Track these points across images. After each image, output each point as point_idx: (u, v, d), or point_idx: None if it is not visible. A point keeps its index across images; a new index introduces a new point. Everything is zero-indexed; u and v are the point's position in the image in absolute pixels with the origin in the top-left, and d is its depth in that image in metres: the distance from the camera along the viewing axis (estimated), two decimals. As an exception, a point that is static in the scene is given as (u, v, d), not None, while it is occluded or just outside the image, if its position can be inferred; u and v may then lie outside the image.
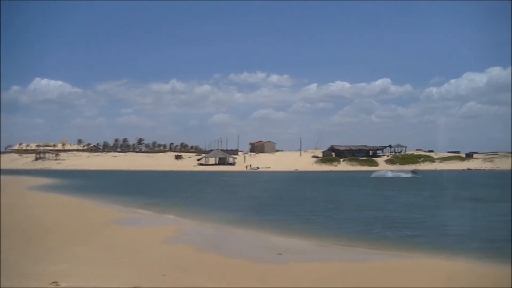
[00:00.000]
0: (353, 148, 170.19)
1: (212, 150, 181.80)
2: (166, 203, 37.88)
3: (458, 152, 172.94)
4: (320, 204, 38.06)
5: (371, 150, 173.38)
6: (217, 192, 53.37)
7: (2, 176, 70.12)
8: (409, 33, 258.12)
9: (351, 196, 46.64)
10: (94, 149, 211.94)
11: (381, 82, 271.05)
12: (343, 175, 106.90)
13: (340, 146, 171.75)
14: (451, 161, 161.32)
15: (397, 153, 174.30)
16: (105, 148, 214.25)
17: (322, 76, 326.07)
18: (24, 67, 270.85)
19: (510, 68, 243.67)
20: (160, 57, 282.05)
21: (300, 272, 14.16)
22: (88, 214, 29.09)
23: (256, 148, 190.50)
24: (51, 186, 61.99)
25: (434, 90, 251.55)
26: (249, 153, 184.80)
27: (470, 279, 13.83)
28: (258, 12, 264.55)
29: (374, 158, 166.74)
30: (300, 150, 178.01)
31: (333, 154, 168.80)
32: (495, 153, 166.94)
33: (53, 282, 11.55)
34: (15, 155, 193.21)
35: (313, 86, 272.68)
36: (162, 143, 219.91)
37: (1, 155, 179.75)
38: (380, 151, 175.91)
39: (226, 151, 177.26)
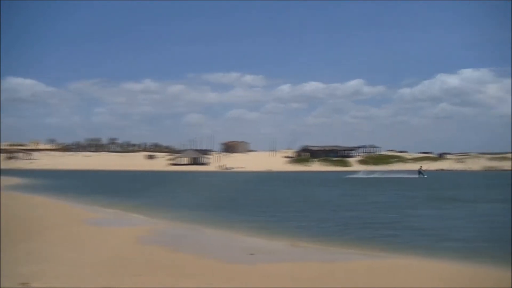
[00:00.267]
0: (326, 149, 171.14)
1: (185, 150, 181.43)
2: (138, 203, 37.56)
3: (431, 153, 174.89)
4: (294, 204, 38.05)
5: (344, 150, 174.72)
6: (189, 192, 53.14)
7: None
8: (382, 34, 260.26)
9: (326, 196, 46.72)
10: (67, 148, 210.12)
11: (354, 83, 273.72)
12: (316, 175, 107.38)
13: (313, 146, 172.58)
14: (423, 162, 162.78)
15: (370, 154, 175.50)
16: (78, 147, 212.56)
17: (295, 77, 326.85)
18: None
19: (481, 70, 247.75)
20: (133, 56, 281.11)
21: (272, 273, 14.09)
22: (59, 214, 28.71)
23: (229, 148, 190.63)
24: (23, 186, 61.26)
25: (407, 91, 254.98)
26: (222, 153, 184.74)
27: (448, 279, 13.85)
28: (232, 13, 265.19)
29: (347, 159, 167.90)
30: (273, 150, 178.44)
31: (306, 154, 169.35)
32: (467, 154, 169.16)
33: (23, 283, 11.39)
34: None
35: (287, 86, 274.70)
36: (135, 142, 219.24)
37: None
38: (353, 151, 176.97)
39: (199, 151, 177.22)
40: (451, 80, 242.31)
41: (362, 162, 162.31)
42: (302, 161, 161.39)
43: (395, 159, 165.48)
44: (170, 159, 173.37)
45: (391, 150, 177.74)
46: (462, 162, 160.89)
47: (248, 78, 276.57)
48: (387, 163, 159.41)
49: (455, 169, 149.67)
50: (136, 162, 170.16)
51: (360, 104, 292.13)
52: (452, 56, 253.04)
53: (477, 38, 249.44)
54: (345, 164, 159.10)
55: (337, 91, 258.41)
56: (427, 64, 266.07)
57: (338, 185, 69.78)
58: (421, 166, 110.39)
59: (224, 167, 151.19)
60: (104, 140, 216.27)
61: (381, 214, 31.38)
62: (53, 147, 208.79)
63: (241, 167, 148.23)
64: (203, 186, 65.25)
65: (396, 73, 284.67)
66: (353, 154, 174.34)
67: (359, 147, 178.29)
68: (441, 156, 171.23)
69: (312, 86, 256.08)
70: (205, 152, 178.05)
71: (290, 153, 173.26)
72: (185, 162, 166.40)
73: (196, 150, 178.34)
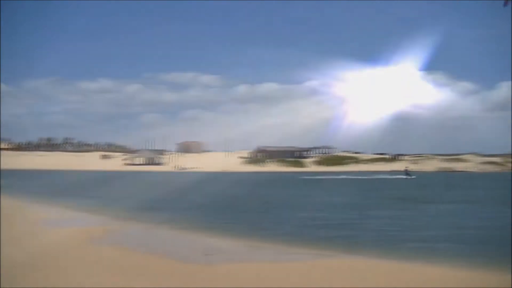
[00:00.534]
0: (281, 149, 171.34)
1: (140, 150, 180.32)
2: (93, 203, 37.28)
3: (385, 154, 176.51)
4: (251, 204, 38.27)
5: (298, 151, 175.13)
6: (145, 192, 52.82)
7: None
8: (339, 35, 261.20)
9: (283, 196, 47.01)
10: (20, 148, 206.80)
11: (309, 84, 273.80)
12: (271, 176, 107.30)
13: (269, 147, 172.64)
14: (377, 163, 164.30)
15: (324, 154, 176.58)
16: (31, 147, 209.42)
17: (252, 77, 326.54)
18: None
19: (437, 72, 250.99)
20: (88, 55, 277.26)
21: (228, 273, 14.20)
22: (12, 215, 28.20)
23: (185, 148, 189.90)
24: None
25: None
26: (178, 153, 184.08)
27: (402, 279, 14.04)
28: (187, 12, 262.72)
29: (302, 159, 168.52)
30: (229, 150, 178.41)
31: (262, 155, 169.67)
32: (420, 155, 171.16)
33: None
34: None
35: (243, 86, 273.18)
36: (90, 142, 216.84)
37: None
38: (309, 152, 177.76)
39: (155, 151, 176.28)
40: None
41: (317, 163, 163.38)
42: (257, 162, 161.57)
43: (350, 160, 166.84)
44: (125, 159, 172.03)
45: (346, 151, 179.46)
46: (416, 163, 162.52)
47: (205, 78, 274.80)
48: (342, 164, 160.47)
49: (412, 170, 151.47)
50: (91, 162, 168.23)
51: (314, 104, 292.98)
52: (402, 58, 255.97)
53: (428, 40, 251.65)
54: (301, 165, 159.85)
55: (292, 92, 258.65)
56: (378, 64, 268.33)
57: (296, 185, 69.96)
58: (406, 167, 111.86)
59: (180, 167, 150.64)
60: (59, 140, 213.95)
61: (340, 214, 31.59)
62: (7, 146, 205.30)
63: (197, 168, 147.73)
64: (157, 186, 64.84)
65: (352, 73, 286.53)
66: (308, 155, 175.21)
67: (314, 148, 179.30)
68: (395, 157, 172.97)
69: (268, 87, 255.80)
70: (161, 152, 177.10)
71: (245, 153, 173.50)
72: (141, 162, 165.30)
73: (152, 150, 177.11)
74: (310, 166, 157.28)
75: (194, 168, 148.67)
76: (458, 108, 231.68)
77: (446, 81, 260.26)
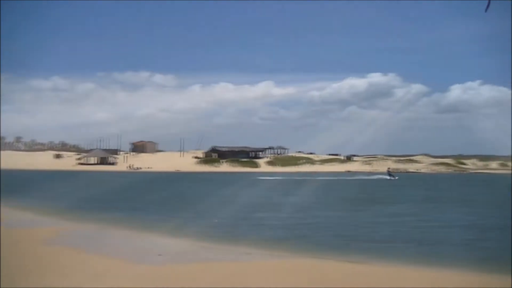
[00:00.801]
0: (235, 150, 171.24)
1: (93, 149, 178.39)
2: (44, 204, 36.83)
3: (338, 155, 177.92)
4: (203, 204, 38.20)
5: (252, 151, 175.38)
6: (98, 192, 51.91)
7: None
8: (291, 36, 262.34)
9: (236, 197, 46.94)
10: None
11: (264, 85, 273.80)
12: (224, 176, 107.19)
13: (222, 147, 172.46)
14: (331, 163, 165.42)
15: (278, 155, 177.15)
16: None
17: (206, 77, 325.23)
18: None
19: (389, 75, 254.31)
20: (41, 53, 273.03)
21: (178, 273, 14.26)
22: None
23: (138, 148, 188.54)
24: None
25: (316, 93, 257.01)
26: (131, 153, 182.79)
27: (358, 279, 14.27)
28: (141, 12, 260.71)
29: (256, 160, 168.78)
30: (181, 150, 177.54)
31: (215, 155, 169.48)
32: (373, 156, 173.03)
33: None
34: None
35: (197, 87, 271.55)
36: (42, 141, 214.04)
37: None
38: (262, 152, 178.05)
39: (108, 150, 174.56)
40: (360, 84, 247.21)
41: (270, 163, 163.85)
42: (210, 162, 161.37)
43: (304, 161, 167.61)
44: (78, 159, 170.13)
45: (300, 152, 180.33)
46: (369, 164, 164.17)
47: (158, 77, 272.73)
48: (295, 164, 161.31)
49: (362, 170, 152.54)
50: (43, 161, 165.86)
51: (269, 105, 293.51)
52: (361, 60, 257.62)
53: (382, 44, 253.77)
54: (254, 165, 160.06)
55: (247, 92, 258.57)
56: (336, 67, 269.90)
57: (251, 186, 69.72)
58: (389, 168, 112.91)
59: (132, 167, 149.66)
60: (9, 138, 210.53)
61: (293, 215, 31.87)
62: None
63: (150, 167, 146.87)
64: (109, 186, 64.12)
65: (306, 75, 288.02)
66: (261, 156, 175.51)
67: (267, 148, 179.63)
68: (348, 158, 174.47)
69: (222, 87, 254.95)
70: (114, 151, 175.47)
71: (199, 153, 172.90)
72: (93, 162, 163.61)
73: (105, 149, 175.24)
74: (264, 166, 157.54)
75: (147, 168, 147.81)
76: (411, 110, 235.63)
77: (399, 84, 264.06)
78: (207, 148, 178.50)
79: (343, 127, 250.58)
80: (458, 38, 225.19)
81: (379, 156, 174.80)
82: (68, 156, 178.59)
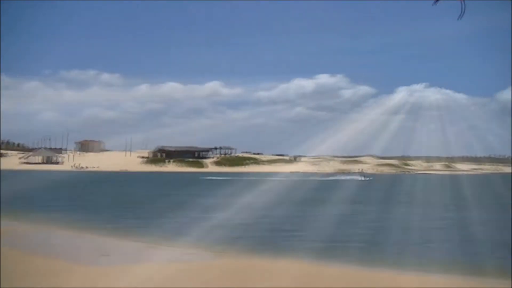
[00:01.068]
0: (182, 149, 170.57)
1: (38, 148, 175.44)
2: None
3: (285, 155, 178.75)
4: (150, 205, 38.39)
5: (199, 151, 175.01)
6: (42, 192, 51.11)
7: None
8: (240, 36, 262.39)
9: (179, 197, 47.18)
10: None
11: (212, 84, 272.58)
12: (170, 176, 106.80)
13: (169, 147, 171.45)
14: (278, 164, 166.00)
15: (225, 155, 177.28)
16: None
17: (153, 76, 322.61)
18: None
19: (337, 76, 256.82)
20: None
21: (124, 273, 14.39)
22: None
23: (84, 147, 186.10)
24: None
25: (264, 94, 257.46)
26: (77, 152, 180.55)
27: (306, 279, 14.69)
28: (88, 9, 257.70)
29: (202, 160, 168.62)
30: (128, 150, 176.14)
31: (162, 154, 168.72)
32: (320, 157, 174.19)
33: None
34: None
35: (144, 86, 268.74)
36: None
37: None
38: (209, 152, 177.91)
39: (53, 149, 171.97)
40: (307, 85, 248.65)
41: (217, 163, 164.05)
42: (157, 162, 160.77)
43: (250, 161, 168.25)
44: (22, 158, 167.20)
45: (247, 152, 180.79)
46: (316, 164, 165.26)
47: (105, 76, 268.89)
48: (242, 164, 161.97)
49: (310, 171, 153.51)
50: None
51: (217, 105, 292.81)
52: (309, 61, 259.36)
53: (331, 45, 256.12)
54: (201, 165, 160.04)
55: (195, 92, 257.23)
56: (284, 68, 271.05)
57: (196, 185, 70.16)
58: (361, 169, 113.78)
59: (78, 166, 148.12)
60: None
61: (240, 215, 31.68)
62: None
63: (96, 167, 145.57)
64: (53, 185, 63.20)
65: (254, 76, 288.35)
66: (208, 156, 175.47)
67: (215, 149, 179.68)
68: (295, 159, 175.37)
69: (170, 87, 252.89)
70: (59, 150, 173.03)
71: (145, 153, 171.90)
72: (38, 161, 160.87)
73: (50, 148, 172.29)
74: (211, 167, 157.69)
75: (93, 167, 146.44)
76: (357, 110, 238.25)
77: (347, 85, 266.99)
78: (154, 147, 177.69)
79: (291, 128, 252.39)
80: (404, 41, 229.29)
81: (325, 156, 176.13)
82: (12, 155, 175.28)
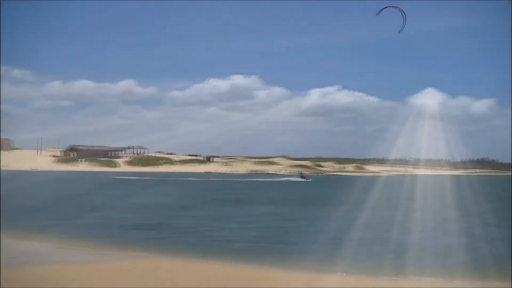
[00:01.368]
0: (94, 149, 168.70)
1: None
2: None
3: (198, 156, 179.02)
4: (62, 206, 37.86)
5: (112, 151, 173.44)
6: None
7: None
8: (153, 37, 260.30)
9: (91, 196, 47.25)
10: None
11: (126, 83, 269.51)
12: (83, 176, 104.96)
13: (81, 146, 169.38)
14: (191, 164, 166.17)
15: (138, 155, 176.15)
16: None
17: (66, 74, 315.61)
18: None
19: (251, 77, 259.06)
20: None
21: (34, 275, 14.28)
22: None
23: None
24: None
25: (178, 94, 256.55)
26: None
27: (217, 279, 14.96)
28: (2, 6, 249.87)
29: (115, 159, 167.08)
30: (39, 149, 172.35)
31: (74, 154, 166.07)
32: (233, 157, 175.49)
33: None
34: None
35: (57, 83, 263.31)
36: None
37: None
38: (121, 152, 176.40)
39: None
40: (221, 85, 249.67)
41: (130, 163, 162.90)
42: (69, 161, 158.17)
43: (163, 161, 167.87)
44: None
45: (159, 152, 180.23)
46: (228, 165, 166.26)
47: (16, 72, 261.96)
48: (155, 164, 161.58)
49: (222, 172, 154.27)
50: None
51: (130, 105, 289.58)
52: (224, 62, 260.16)
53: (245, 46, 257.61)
54: (113, 165, 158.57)
55: (108, 91, 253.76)
56: (198, 68, 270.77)
57: (111, 186, 69.25)
58: (300, 171, 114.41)
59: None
60: None
61: (151, 216, 32.29)
62: None
63: (5, 166, 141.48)
64: None
65: (168, 76, 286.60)
66: (121, 155, 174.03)
67: (127, 148, 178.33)
68: (208, 159, 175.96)
69: (83, 84, 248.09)
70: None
71: (57, 152, 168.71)
72: None
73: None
74: (123, 166, 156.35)
75: (2, 166, 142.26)
76: (272, 112, 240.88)
77: (261, 86, 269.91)
78: (66, 146, 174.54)
79: (204, 128, 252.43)
80: (318, 44, 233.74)
81: (238, 157, 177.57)
82: None
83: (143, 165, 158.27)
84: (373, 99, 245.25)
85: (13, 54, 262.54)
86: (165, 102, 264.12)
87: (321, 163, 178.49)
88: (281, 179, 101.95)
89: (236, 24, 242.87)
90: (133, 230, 25.54)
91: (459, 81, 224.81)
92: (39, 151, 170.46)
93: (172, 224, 28.54)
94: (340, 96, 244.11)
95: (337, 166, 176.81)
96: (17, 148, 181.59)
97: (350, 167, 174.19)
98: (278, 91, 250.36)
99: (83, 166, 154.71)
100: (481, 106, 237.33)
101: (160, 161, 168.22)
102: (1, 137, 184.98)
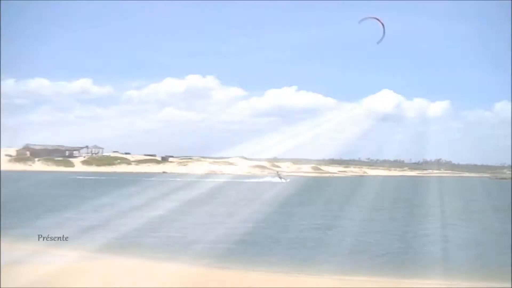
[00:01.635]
0: (49, 148, 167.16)
1: None
2: None
3: (155, 155, 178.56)
4: (21, 206, 37.72)
5: (67, 150, 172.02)
6: None
7: None
8: (110, 34, 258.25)
9: (45, 196, 46.79)
10: None
11: (81, 82, 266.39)
12: (38, 176, 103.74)
13: (35, 145, 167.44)
14: (147, 164, 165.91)
15: (93, 154, 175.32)
16: None
17: (20, 72, 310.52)
18: None
19: (208, 77, 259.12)
20: None
21: None
22: None
23: None
24: None
25: (134, 93, 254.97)
26: None
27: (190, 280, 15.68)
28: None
29: (71, 159, 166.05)
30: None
31: (28, 153, 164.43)
32: (189, 158, 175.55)
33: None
34: None
35: (11, 81, 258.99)
36: None
37: None
38: (77, 151, 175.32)
39: None
40: (178, 85, 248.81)
41: (86, 162, 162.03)
42: (23, 160, 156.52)
43: (119, 161, 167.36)
44: None
45: (116, 152, 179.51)
46: (185, 165, 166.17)
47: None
48: (111, 164, 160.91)
49: (178, 172, 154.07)
50: None
51: (86, 104, 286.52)
52: (181, 62, 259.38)
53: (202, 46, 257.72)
54: (69, 164, 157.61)
55: (63, 89, 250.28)
56: (156, 68, 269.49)
57: (65, 186, 69.15)
58: (277, 171, 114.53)
59: None
60: None
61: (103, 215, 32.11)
62: None
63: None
64: None
65: (125, 74, 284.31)
66: (76, 155, 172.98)
67: (83, 148, 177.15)
68: (164, 159, 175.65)
69: (38, 82, 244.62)
70: None
71: (11, 151, 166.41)
72: None
73: None
74: (79, 166, 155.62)
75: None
76: (229, 112, 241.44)
77: (218, 86, 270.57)
78: (20, 145, 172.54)
79: (160, 127, 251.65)
80: (275, 44, 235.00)
81: (194, 157, 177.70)
82: None
83: (99, 165, 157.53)
84: (330, 100, 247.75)
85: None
86: (121, 101, 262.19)
87: (278, 164, 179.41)
88: (261, 180, 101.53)
89: (193, 24, 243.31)
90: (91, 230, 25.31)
91: (416, 84, 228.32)
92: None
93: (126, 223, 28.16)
94: (297, 97, 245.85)
95: (293, 166, 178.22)
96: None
97: (307, 167, 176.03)
98: (235, 91, 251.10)
99: (38, 166, 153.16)
100: (436, 108, 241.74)
101: (117, 161, 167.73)
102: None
